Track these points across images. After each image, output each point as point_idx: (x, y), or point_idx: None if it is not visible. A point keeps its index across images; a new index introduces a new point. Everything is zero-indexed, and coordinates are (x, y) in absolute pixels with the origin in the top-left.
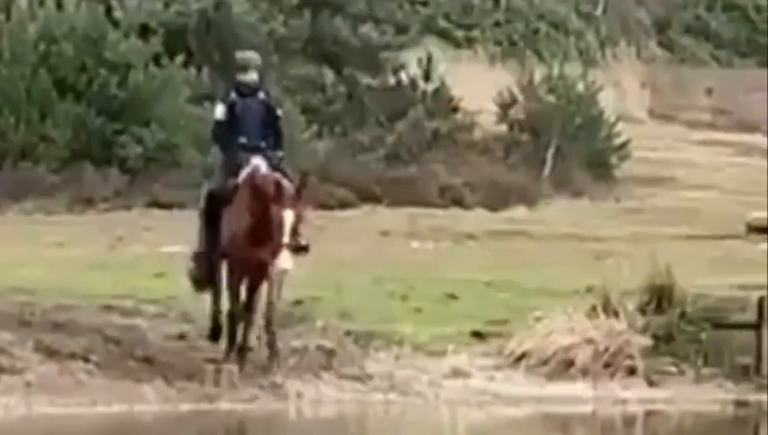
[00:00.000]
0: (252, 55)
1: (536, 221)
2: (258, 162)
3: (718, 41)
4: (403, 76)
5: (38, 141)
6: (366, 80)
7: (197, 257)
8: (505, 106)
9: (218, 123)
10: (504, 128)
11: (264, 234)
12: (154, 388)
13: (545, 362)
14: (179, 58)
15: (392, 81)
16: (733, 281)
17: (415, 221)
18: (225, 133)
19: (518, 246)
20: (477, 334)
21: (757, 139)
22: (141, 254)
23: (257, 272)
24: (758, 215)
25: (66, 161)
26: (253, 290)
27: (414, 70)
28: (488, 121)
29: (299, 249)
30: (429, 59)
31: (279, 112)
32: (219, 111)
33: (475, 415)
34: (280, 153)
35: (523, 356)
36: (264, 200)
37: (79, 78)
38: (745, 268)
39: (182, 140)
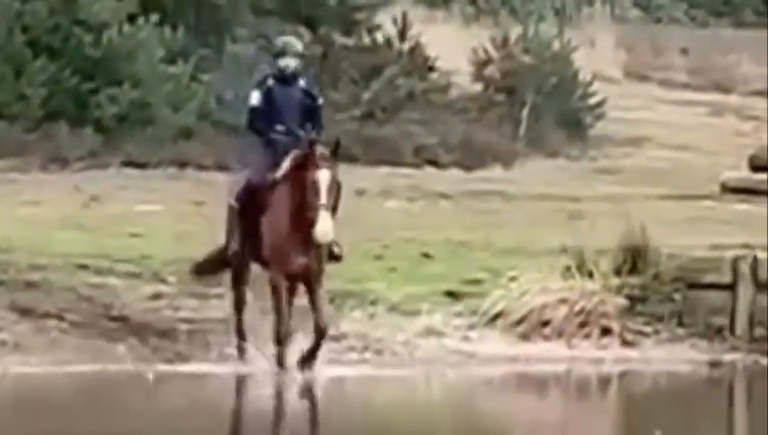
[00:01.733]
0: (292, 41)
1: (511, 181)
2: (322, 174)
3: (694, 1)
4: (378, 36)
5: (12, 100)
6: (341, 39)
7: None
8: (480, 65)
9: (253, 110)
10: (479, 87)
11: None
12: (128, 347)
13: (520, 322)
14: (154, 17)
15: (367, 40)
16: (707, 241)
17: (389, 180)
18: (261, 121)
19: (493, 205)
20: (452, 294)
21: (732, 99)
22: (116, 213)
23: (301, 277)
24: (732, 175)
25: (40, 120)
26: (293, 291)
27: (389, 29)
28: (463, 81)
29: (332, 258)
30: (404, 18)
31: (320, 101)
32: (255, 97)
33: (450, 374)
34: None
35: (497, 316)
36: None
37: (53, 37)
38: (720, 229)
39: (156, 99)
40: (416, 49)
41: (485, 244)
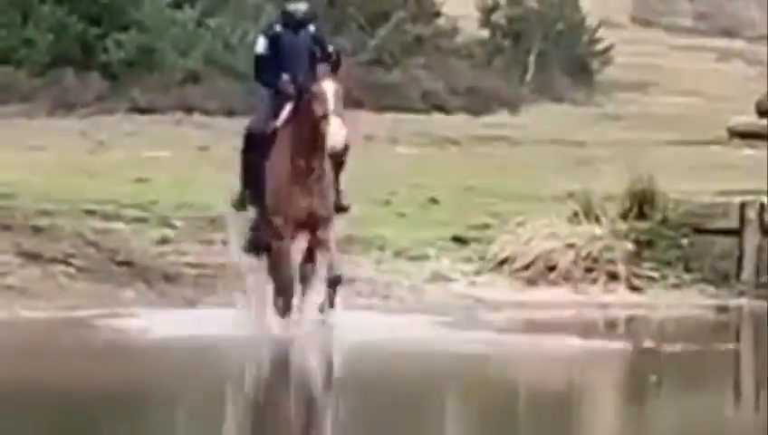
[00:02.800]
0: None
1: (518, 126)
2: (326, 84)
3: None
4: None
5: (19, 45)
6: None
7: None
8: (487, 11)
9: (259, 58)
10: (486, 33)
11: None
12: (135, 292)
13: (527, 267)
14: None
15: None
16: (714, 187)
17: (397, 126)
18: (267, 69)
19: (500, 151)
20: (459, 239)
21: (739, 44)
22: (122, 158)
23: (305, 224)
24: (740, 120)
25: (47, 66)
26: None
27: None
28: (470, 27)
29: (339, 209)
30: None
31: (330, 48)
32: (260, 44)
33: (456, 319)
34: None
35: (504, 261)
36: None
37: None
38: (727, 174)
39: (163, 44)
40: None
41: (492, 189)
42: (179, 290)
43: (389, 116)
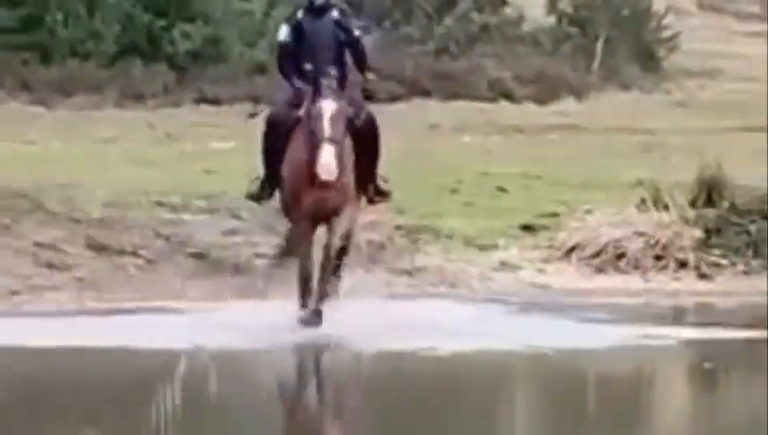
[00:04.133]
0: None
1: (585, 114)
2: (325, 104)
3: None
4: None
5: (87, 37)
6: None
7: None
8: None
9: (281, 46)
10: (552, 20)
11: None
12: (204, 282)
13: (596, 255)
14: None
15: None
16: None
17: (464, 115)
18: (289, 58)
19: (567, 139)
20: (527, 228)
21: None
22: (190, 150)
23: (321, 213)
24: None
25: (114, 57)
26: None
27: None
28: (537, 14)
29: (379, 194)
30: None
31: (357, 33)
32: (282, 32)
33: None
34: (364, 76)
35: (573, 249)
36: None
37: None
38: None
39: (229, 35)
40: None
41: (560, 177)
42: (249, 281)
43: (456, 105)
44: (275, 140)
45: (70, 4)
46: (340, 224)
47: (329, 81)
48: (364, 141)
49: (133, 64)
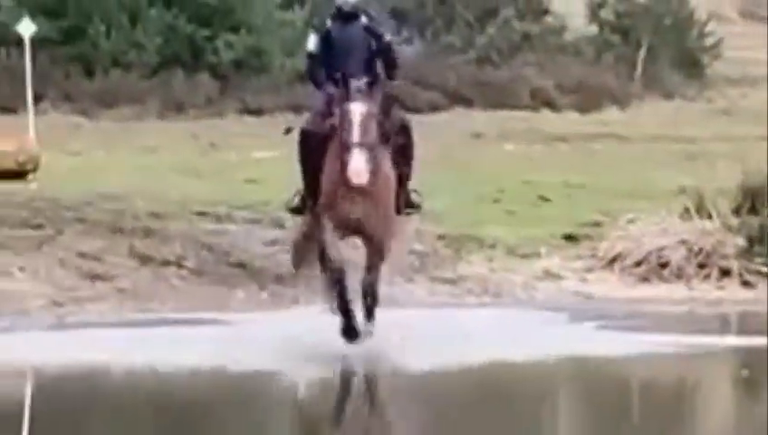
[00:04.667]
0: None
1: (628, 123)
2: (354, 107)
3: None
4: None
5: (129, 48)
6: None
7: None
8: (595, 7)
9: (310, 56)
10: (594, 29)
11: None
12: (247, 293)
13: (638, 264)
14: None
15: None
16: None
17: (506, 124)
18: (319, 67)
19: (610, 147)
20: (570, 237)
21: None
22: (233, 160)
23: (356, 230)
24: None
25: (157, 68)
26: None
27: None
28: (579, 23)
29: (409, 206)
30: None
31: (387, 38)
32: (311, 42)
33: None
34: (393, 83)
35: (615, 258)
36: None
37: None
38: None
39: (271, 45)
40: None
41: (603, 186)
42: (292, 291)
43: (498, 114)
44: (311, 153)
45: (112, 16)
46: (377, 236)
47: (358, 83)
48: (398, 150)
49: (175, 75)
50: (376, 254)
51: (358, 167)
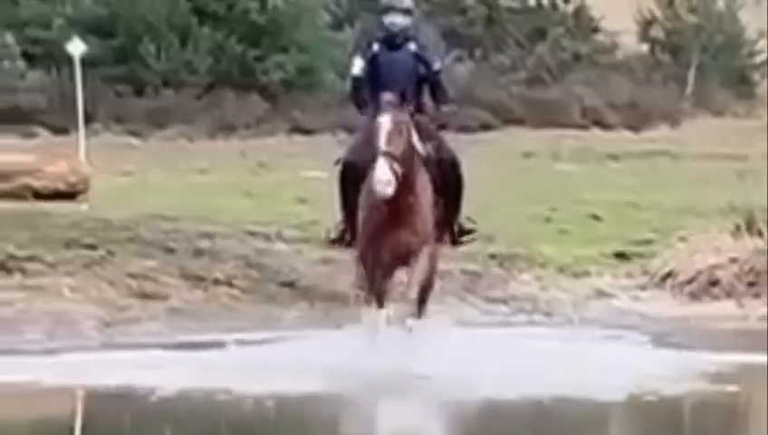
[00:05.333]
0: None
1: (679, 141)
2: (383, 118)
3: None
4: None
5: (179, 68)
6: (506, 1)
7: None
8: (645, 25)
9: (355, 80)
10: (644, 48)
11: (401, 212)
12: (298, 312)
13: (690, 282)
14: None
15: (532, 2)
16: None
17: (557, 142)
18: (364, 92)
19: (661, 165)
20: (621, 255)
21: None
22: (284, 179)
23: (399, 257)
24: None
25: (207, 88)
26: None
27: None
28: (629, 42)
29: (462, 233)
30: None
31: (437, 66)
32: (357, 65)
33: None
34: (442, 110)
35: (667, 276)
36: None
37: (218, 4)
38: None
39: (322, 64)
40: (580, 10)
41: (654, 204)
42: (342, 311)
43: (549, 132)
44: (353, 182)
45: (162, 36)
46: (418, 267)
47: (389, 96)
48: (446, 183)
49: (225, 95)
50: (415, 280)
51: (383, 176)
